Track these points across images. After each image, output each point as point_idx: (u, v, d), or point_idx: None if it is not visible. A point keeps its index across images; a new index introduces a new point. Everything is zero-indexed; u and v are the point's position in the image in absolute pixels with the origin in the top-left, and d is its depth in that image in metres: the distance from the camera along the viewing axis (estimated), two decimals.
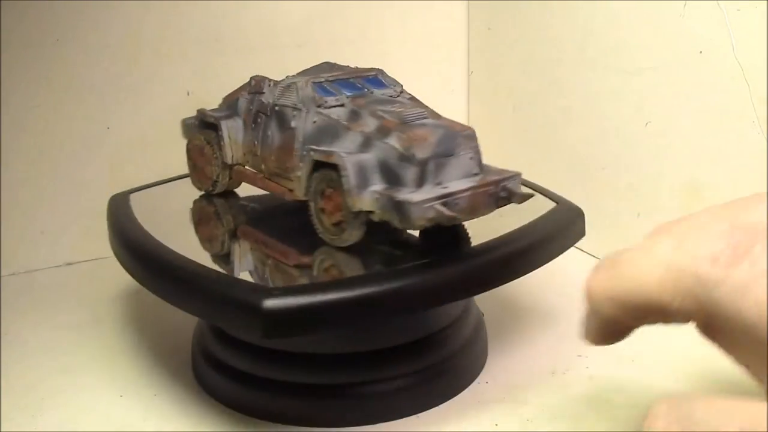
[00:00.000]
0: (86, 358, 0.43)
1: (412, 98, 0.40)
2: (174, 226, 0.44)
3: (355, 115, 0.37)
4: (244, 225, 0.43)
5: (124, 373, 0.41)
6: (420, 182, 0.34)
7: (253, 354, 0.37)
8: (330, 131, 0.37)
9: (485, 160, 0.36)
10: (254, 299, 0.31)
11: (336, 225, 0.36)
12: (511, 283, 0.36)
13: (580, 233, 0.40)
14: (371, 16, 0.63)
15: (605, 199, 0.52)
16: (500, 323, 0.45)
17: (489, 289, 0.35)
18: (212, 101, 0.46)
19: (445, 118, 0.37)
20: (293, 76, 0.41)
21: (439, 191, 0.33)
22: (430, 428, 0.36)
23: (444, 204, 0.33)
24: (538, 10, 0.57)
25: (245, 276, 0.37)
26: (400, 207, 0.33)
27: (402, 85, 0.41)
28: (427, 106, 0.39)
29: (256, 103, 0.42)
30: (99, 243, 0.44)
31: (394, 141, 0.35)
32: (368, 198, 0.34)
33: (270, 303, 0.30)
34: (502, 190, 0.35)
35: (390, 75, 0.41)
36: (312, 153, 0.37)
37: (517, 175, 0.36)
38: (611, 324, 0.28)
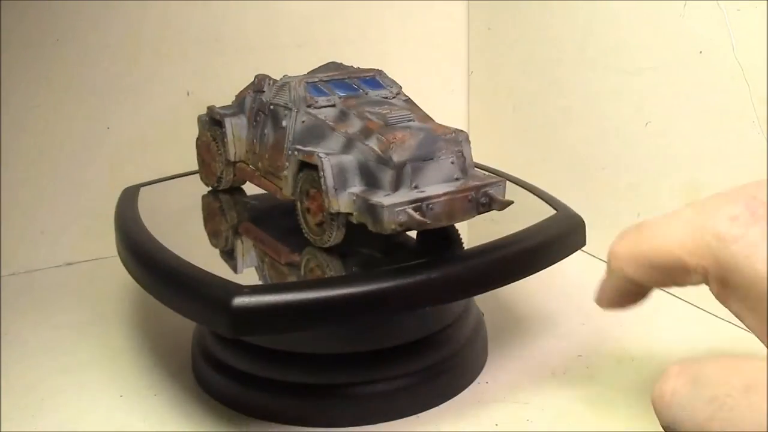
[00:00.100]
0: (86, 358, 0.43)
1: (408, 100, 0.40)
2: (174, 221, 0.44)
3: (343, 116, 0.37)
4: (246, 222, 0.43)
5: (124, 373, 0.41)
6: (396, 185, 0.33)
7: (253, 354, 0.37)
8: (316, 131, 0.37)
9: (485, 161, 0.36)
10: (224, 296, 0.31)
11: (319, 225, 0.36)
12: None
13: (581, 242, 0.39)
14: (371, 16, 0.63)
15: (605, 199, 0.52)
16: (500, 323, 0.45)
17: (464, 298, 0.35)
18: (212, 101, 0.46)
19: (433, 121, 0.37)
20: (301, 76, 0.41)
21: (414, 195, 0.33)
22: (430, 428, 0.36)
23: (418, 208, 0.33)
24: (538, 10, 0.57)
25: (245, 273, 0.37)
26: (372, 210, 0.33)
27: (400, 87, 0.40)
28: (420, 109, 0.38)
29: (257, 102, 0.42)
30: (99, 243, 0.44)
31: (373, 143, 0.34)
32: (346, 199, 0.34)
33: (239, 301, 0.31)
34: (482, 196, 0.34)
35: (390, 75, 0.41)
36: (296, 153, 0.37)
37: (501, 181, 0.35)
38: (629, 286, 0.29)
